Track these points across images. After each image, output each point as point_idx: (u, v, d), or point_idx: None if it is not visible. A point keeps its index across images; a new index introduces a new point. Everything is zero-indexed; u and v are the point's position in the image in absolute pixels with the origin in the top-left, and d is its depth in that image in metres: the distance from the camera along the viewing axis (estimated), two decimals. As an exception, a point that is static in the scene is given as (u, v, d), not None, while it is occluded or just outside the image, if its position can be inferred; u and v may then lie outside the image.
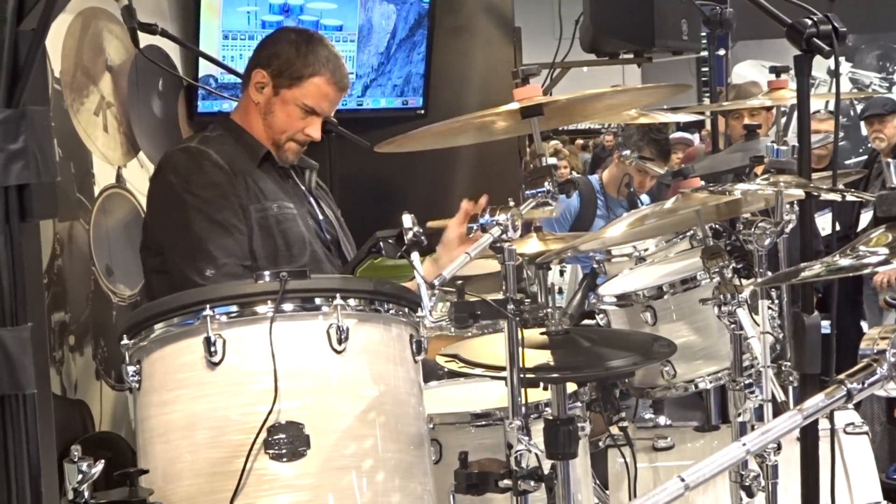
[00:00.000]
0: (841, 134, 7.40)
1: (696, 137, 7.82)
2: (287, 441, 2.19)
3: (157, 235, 3.01)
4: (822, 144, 5.91)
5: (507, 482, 2.27)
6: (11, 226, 1.49)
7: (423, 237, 2.31)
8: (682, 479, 1.46)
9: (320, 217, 3.16)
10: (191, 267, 2.85)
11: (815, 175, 2.92)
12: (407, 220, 2.34)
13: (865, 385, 1.60)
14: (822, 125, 6.47)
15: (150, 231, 3.05)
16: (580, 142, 10.66)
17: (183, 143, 3.12)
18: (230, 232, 2.90)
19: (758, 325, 2.72)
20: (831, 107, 7.05)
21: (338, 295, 2.28)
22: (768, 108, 5.44)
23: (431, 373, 2.90)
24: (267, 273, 2.30)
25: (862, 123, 7.03)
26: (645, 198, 5.40)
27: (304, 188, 3.17)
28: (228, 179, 2.96)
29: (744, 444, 1.52)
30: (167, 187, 2.98)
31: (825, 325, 2.56)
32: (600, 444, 3.14)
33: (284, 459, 2.19)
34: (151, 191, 3.09)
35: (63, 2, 1.53)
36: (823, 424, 2.67)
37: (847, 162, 8.18)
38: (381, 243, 2.38)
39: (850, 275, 1.72)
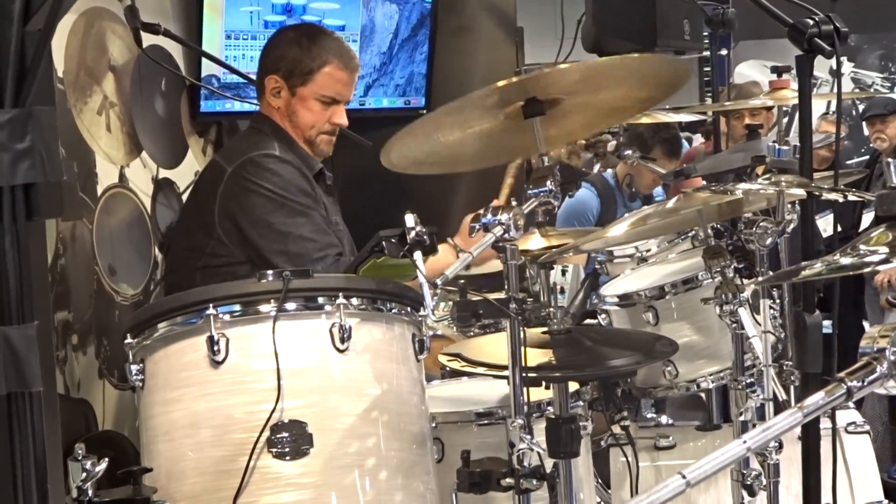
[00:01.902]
0: (844, 133, 7.41)
1: (697, 137, 7.82)
2: (290, 439, 2.20)
3: (244, 238, 2.96)
4: (823, 144, 5.92)
5: (509, 481, 2.27)
6: (18, 224, 1.50)
7: (425, 237, 2.32)
8: (684, 476, 1.47)
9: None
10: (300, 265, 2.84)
11: (817, 175, 2.94)
12: (409, 219, 2.35)
13: (865, 383, 1.61)
14: (833, 127, 6.49)
15: (224, 228, 2.98)
16: (583, 141, 10.65)
17: (263, 150, 3.05)
18: (326, 231, 2.98)
19: (759, 324, 2.72)
20: (833, 107, 7.04)
21: (340, 294, 2.29)
22: (769, 108, 5.45)
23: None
24: (270, 272, 2.31)
25: (864, 123, 7.03)
26: (659, 190, 5.39)
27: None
28: (312, 189, 3.04)
29: (745, 442, 1.53)
30: (262, 192, 2.96)
31: (826, 325, 2.57)
32: (602, 443, 3.15)
33: (287, 458, 2.20)
34: (233, 194, 2.99)
35: (69, 2, 1.53)
36: (825, 424, 2.67)
37: (848, 162, 8.19)
38: (383, 243, 2.39)
39: (851, 274, 1.73)
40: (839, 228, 6.10)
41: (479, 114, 2.45)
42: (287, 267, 2.79)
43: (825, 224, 5.68)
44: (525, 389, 2.30)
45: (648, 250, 3.37)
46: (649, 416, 3.75)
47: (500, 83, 2.32)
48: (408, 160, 2.54)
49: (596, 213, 5.13)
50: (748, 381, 2.72)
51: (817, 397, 1.59)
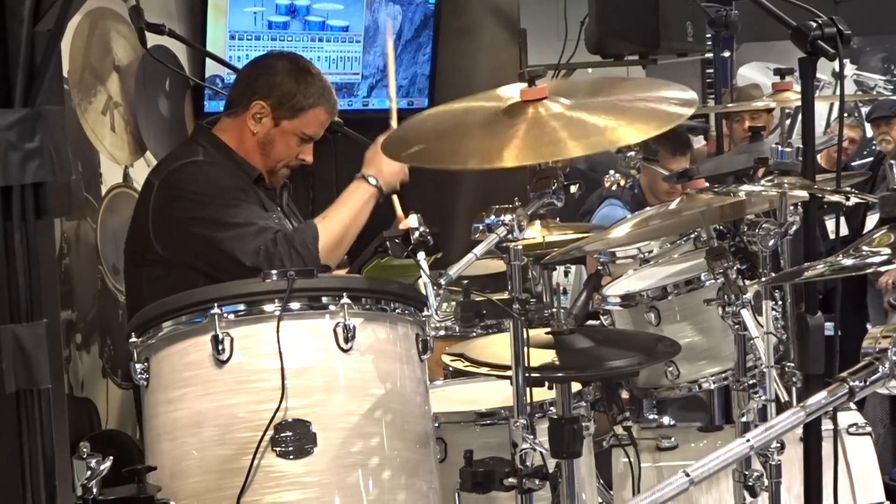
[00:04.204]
0: (858, 137, 7.43)
1: (700, 139, 7.83)
2: (294, 438, 2.20)
3: (181, 244, 2.94)
4: (826, 146, 5.92)
5: (511, 481, 2.28)
6: (27, 223, 1.51)
7: (429, 237, 2.33)
8: (687, 475, 1.47)
9: None
10: (242, 250, 2.84)
11: (824, 176, 2.94)
12: (413, 220, 2.35)
13: (867, 383, 1.61)
14: (851, 131, 6.58)
15: (160, 241, 2.95)
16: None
17: (186, 159, 3.02)
18: (261, 216, 2.94)
19: (761, 325, 2.73)
20: (835, 109, 7.05)
21: (345, 294, 2.30)
22: (769, 111, 5.45)
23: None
24: (274, 272, 2.32)
25: (868, 125, 7.03)
26: None
27: (281, 209, 3.19)
28: (243, 187, 3.00)
29: (748, 441, 1.53)
30: (188, 196, 2.94)
31: (829, 327, 2.57)
32: (604, 443, 3.15)
33: (291, 457, 2.20)
34: (162, 206, 2.96)
35: (78, 3, 1.54)
36: (827, 425, 2.68)
37: (853, 164, 8.19)
38: (387, 243, 2.40)
39: (853, 275, 1.74)
40: (845, 231, 6.12)
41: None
42: (228, 255, 2.83)
43: (832, 226, 5.69)
44: (528, 390, 2.31)
45: (651, 251, 3.37)
46: (651, 416, 3.75)
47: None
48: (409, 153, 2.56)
49: None
50: (750, 382, 2.73)
51: (820, 397, 1.60)
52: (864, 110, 8.13)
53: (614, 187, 5.19)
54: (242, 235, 2.86)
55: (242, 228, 2.88)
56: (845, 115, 7.18)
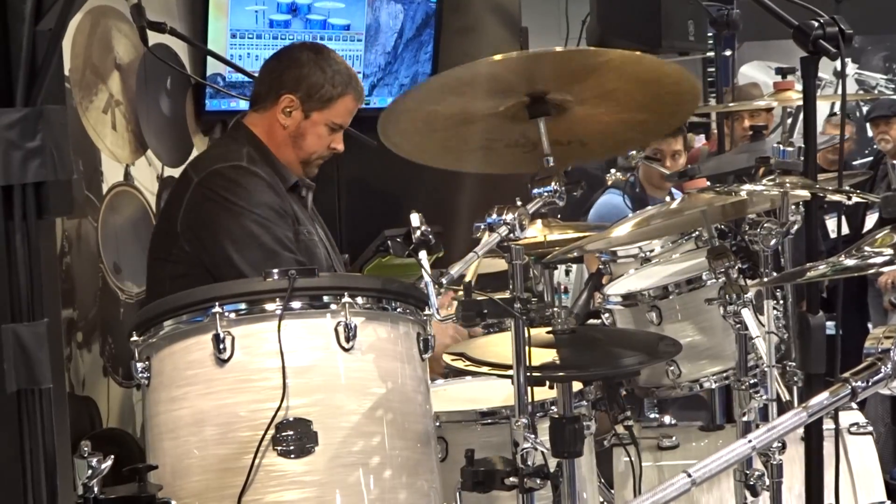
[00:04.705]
0: (849, 134, 7.42)
1: (701, 138, 7.83)
2: (295, 438, 2.20)
3: (203, 247, 2.93)
4: (828, 146, 5.92)
5: (513, 480, 2.28)
6: (28, 222, 1.51)
7: (430, 236, 2.33)
8: (689, 475, 1.47)
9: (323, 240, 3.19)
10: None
11: (823, 176, 2.94)
12: (415, 219, 2.35)
13: (870, 383, 1.61)
14: (838, 129, 6.52)
15: (185, 236, 2.95)
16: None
17: (230, 162, 3.01)
18: (289, 249, 2.94)
19: (763, 325, 2.73)
20: (837, 108, 7.05)
21: (346, 293, 2.29)
22: (769, 110, 5.46)
23: None
24: (276, 271, 2.32)
25: (868, 125, 7.03)
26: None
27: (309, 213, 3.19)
28: (280, 202, 2.99)
29: (749, 441, 1.53)
30: (223, 203, 2.93)
31: (830, 326, 2.57)
32: (605, 442, 3.15)
33: (292, 456, 2.20)
34: (196, 204, 2.96)
35: (80, 2, 1.54)
36: (828, 424, 2.68)
37: (853, 163, 8.19)
38: (388, 242, 2.39)
39: (855, 275, 1.74)
40: (846, 230, 6.12)
41: (481, 96, 2.46)
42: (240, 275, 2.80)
43: (832, 226, 5.68)
44: (529, 389, 2.31)
45: (652, 250, 3.37)
46: (652, 416, 3.75)
47: (498, 56, 2.34)
48: (410, 144, 2.57)
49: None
50: (751, 381, 2.73)
51: (822, 397, 1.60)
52: (866, 109, 8.13)
53: (616, 184, 5.18)
54: (259, 263, 2.86)
55: (265, 254, 2.87)
56: (834, 115, 7.20)
